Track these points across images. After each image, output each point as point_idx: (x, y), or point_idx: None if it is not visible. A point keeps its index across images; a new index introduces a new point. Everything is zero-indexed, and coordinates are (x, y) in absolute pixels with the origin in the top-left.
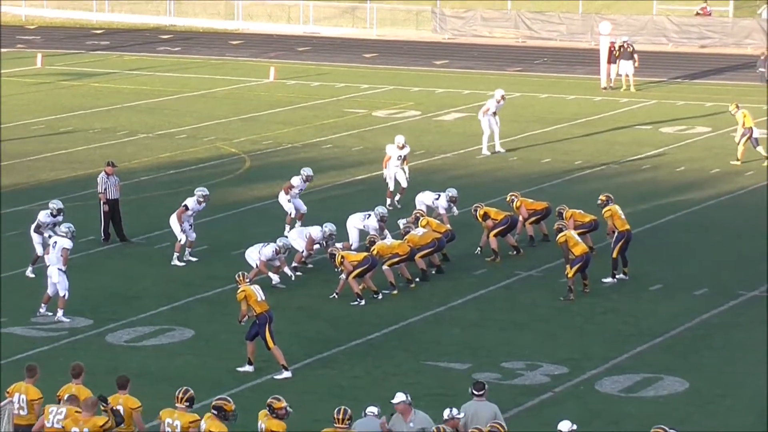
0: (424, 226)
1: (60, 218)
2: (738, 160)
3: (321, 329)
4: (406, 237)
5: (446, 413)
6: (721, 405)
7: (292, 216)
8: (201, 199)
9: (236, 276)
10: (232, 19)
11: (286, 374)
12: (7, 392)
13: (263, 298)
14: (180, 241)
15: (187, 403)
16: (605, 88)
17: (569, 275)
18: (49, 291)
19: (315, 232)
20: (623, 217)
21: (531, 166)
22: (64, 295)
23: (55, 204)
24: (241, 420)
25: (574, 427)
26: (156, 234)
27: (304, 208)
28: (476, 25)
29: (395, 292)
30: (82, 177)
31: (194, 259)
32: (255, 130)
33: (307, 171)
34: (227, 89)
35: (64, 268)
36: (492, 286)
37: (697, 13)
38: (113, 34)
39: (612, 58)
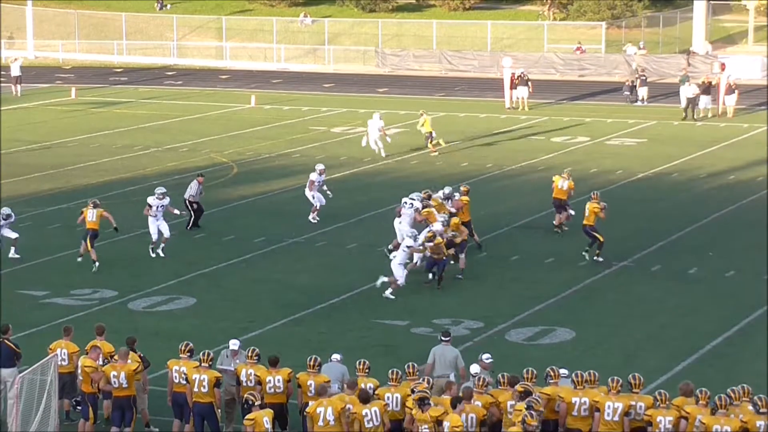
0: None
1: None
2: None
3: (294, 297)
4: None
5: (483, 356)
6: (599, 349)
7: (317, 207)
8: (160, 196)
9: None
10: (222, 59)
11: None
12: (50, 349)
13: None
14: (154, 237)
15: (189, 354)
16: (508, 108)
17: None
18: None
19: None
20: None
21: (452, 168)
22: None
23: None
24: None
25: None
26: None
27: (323, 201)
28: (409, 61)
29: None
30: (108, 182)
31: (162, 255)
32: (240, 144)
33: (320, 166)
34: (218, 113)
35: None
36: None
37: (576, 50)
38: (130, 72)
39: (513, 85)
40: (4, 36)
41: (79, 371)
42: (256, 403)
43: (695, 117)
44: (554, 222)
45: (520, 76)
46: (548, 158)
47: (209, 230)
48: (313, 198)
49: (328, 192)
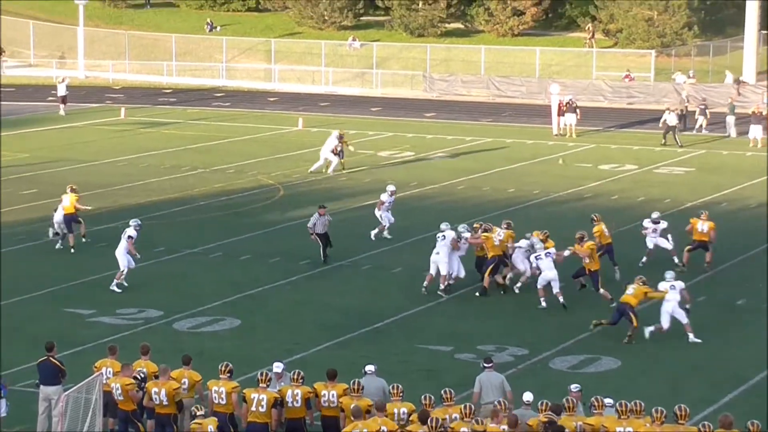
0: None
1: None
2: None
3: (338, 320)
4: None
5: (570, 387)
6: (643, 379)
7: (385, 226)
8: (138, 228)
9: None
10: (270, 81)
11: None
12: (95, 367)
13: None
14: (124, 270)
15: (228, 374)
16: (556, 135)
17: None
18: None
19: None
20: (607, 233)
21: (499, 194)
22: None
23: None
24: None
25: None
26: (211, 246)
27: (392, 219)
28: (457, 86)
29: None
30: (155, 202)
31: (118, 291)
32: (287, 166)
33: (391, 187)
34: (266, 135)
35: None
36: (469, 287)
37: (625, 78)
38: (179, 92)
39: (561, 112)
40: (55, 55)
41: (119, 391)
42: (198, 414)
43: (679, 143)
44: (683, 261)
45: (568, 102)
46: (595, 186)
47: (255, 252)
48: (381, 217)
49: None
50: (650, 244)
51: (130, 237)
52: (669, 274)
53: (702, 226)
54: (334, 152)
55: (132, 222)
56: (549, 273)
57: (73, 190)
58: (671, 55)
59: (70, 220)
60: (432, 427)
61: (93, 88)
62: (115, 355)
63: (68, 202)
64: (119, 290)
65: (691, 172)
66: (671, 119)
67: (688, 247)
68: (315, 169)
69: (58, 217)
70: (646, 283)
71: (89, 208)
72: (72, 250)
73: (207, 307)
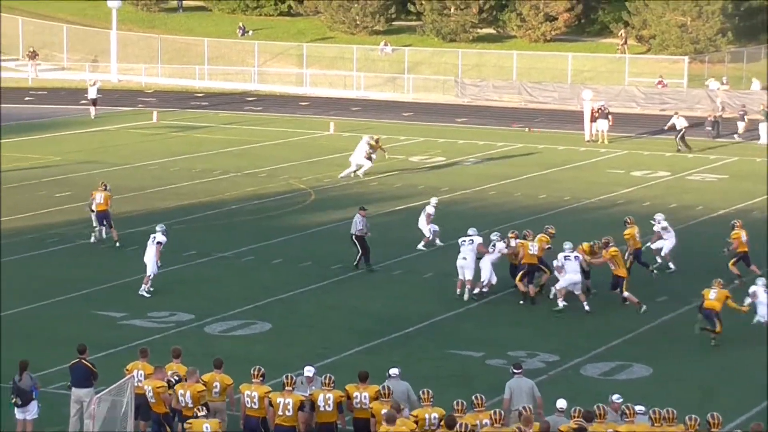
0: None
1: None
2: None
3: (369, 325)
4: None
5: (612, 397)
6: (676, 386)
7: (429, 238)
8: (164, 233)
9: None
10: (302, 85)
11: None
12: (127, 369)
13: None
14: (151, 276)
15: (261, 378)
16: (588, 141)
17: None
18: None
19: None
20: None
21: (530, 200)
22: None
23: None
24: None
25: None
26: (242, 250)
27: (437, 229)
28: (489, 91)
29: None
30: (187, 206)
31: (147, 296)
32: (318, 170)
33: (434, 200)
34: (297, 139)
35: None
36: (500, 293)
37: (658, 84)
38: (211, 96)
39: (593, 118)
40: (88, 59)
41: (150, 394)
42: (200, 415)
43: (688, 147)
44: (735, 272)
45: (600, 108)
46: (627, 192)
47: (286, 256)
48: (429, 230)
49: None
50: (659, 244)
51: (159, 243)
52: (761, 281)
53: (744, 236)
54: (366, 157)
55: (158, 227)
56: (574, 276)
57: (105, 187)
58: (704, 62)
59: (103, 216)
60: None
61: (125, 92)
62: (147, 357)
63: (101, 199)
64: (148, 295)
65: (724, 179)
66: (679, 123)
67: (733, 260)
68: (345, 176)
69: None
70: (726, 286)
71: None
72: (117, 244)
73: (238, 311)
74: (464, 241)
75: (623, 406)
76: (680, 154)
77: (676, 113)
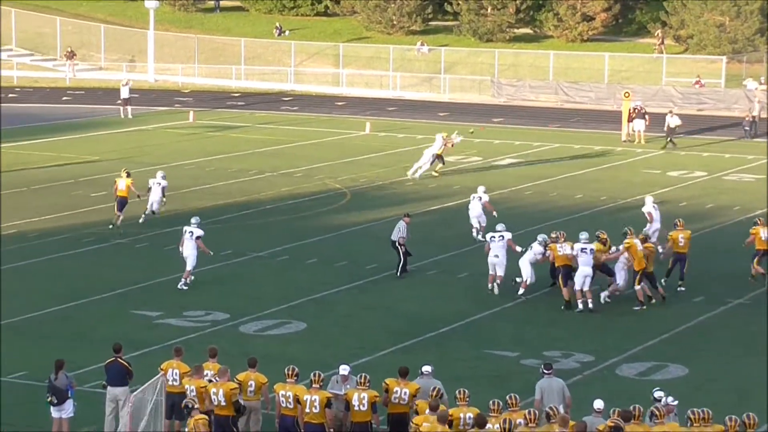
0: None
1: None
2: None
3: (403, 325)
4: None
5: (667, 399)
6: (712, 387)
7: (484, 227)
8: (198, 225)
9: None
10: (338, 86)
11: None
12: (161, 368)
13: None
14: (191, 270)
15: (295, 378)
16: (625, 141)
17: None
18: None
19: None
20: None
21: (567, 200)
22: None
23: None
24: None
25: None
26: (277, 249)
27: (484, 223)
28: (525, 91)
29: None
30: (222, 205)
31: (185, 288)
32: (354, 170)
33: (482, 189)
34: (333, 139)
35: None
36: (536, 293)
37: (695, 84)
38: (247, 96)
39: (630, 118)
40: (125, 59)
41: (193, 393)
42: (195, 406)
43: (673, 144)
44: (752, 273)
45: (636, 108)
46: (664, 192)
47: (321, 256)
48: (479, 221)
49: (494, 213)
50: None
51: (198, 237)
52: None
53: (764, 233)
54: (437, 155)
55: (193, 220)
56: (586, 269)
57: (128, 174)
58: (742, 62)
59: (124, 203)
60: (504, 429)
61: (162, 92)
62: (181, 356)
63: (123, 185)
64: (186, 288)
65: (762, 179)
66: (673, 121)
67: (757, 259)
68: (419, 174)
69: (153, 196)
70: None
71: (139, 194)
72: (120, 231)
73: (273, 310)
74: (494, 237)
75: (652, 407)
76: (717, 154)
77: (671, 112)
